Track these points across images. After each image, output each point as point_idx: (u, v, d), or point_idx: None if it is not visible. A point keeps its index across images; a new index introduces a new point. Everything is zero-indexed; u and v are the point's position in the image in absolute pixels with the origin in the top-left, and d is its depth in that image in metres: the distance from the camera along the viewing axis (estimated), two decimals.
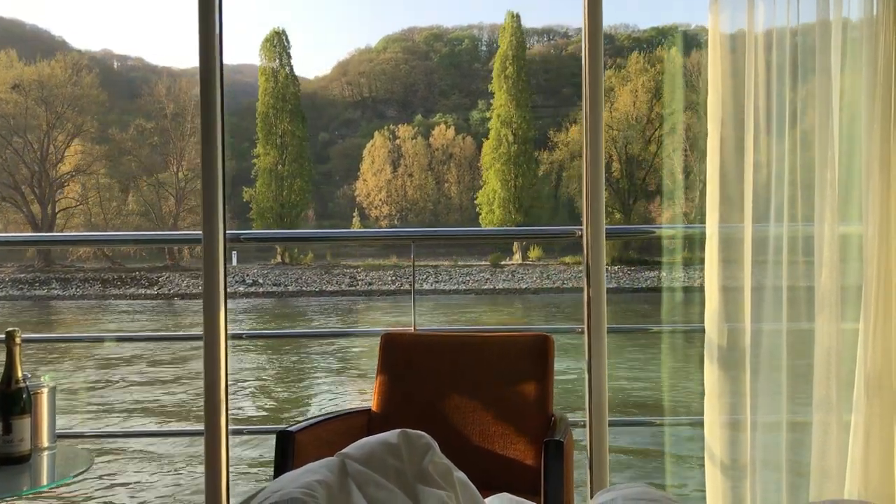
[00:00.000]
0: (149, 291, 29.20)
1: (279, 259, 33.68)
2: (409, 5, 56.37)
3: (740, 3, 2.33)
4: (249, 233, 3.20)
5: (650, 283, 29.33)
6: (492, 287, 29.93)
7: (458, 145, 41.71)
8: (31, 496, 1.95)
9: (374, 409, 2.52)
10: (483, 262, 33.06)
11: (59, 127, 36.03)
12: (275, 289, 29.28)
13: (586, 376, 2.53)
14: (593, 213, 2.51)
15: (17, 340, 2.00)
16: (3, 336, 2.01)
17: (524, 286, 29.89)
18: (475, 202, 37.96)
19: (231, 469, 2.57)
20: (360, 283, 30.53)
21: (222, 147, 2.54)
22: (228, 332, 2.55)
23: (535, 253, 33.94)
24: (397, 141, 42.58)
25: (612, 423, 2.55)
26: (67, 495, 6.43)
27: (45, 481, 2.00)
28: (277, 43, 37.00)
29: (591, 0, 2.47)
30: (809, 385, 2.32)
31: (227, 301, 2.57)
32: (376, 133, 42.64)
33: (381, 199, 41.66)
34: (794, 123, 2.33)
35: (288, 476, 1.42)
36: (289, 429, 2.20)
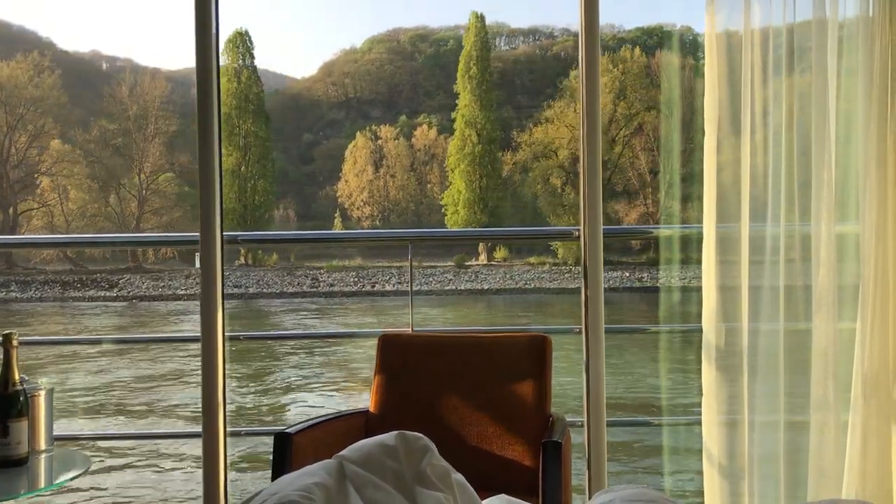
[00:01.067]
0: (108, 294, 28.78)
1: (242, 261, 33.41)
2: (395, 6, 56.36)
3: (737, 3, 2.33)
4: (247, 234, 3.20)
5: (612, 283, 29.31)
6: (454, 288, 29.72)
7: (440, 146, 41.53)
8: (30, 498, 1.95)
9: (371, 410, 2.51)
10: (447, 264, 32.85)
11: (21, 129, 35.63)
12: (235, 290, 28.88)
13: (584, 376, 2.53)
14: (591, 214, 2.51)
15: (14, 343, 2.00)
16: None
17: (486, 287, 29.72)
18: (441, 203, 37.82)
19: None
20: (321, 284, 30.33)
21: (219, 149, 2.54)
22: (226, 333, 2.55)
23: (500, 253, 33.83)
24: (379, 141, 42.40)
25: (610, 424, 2.55)
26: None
27: (42, 484, 2.00)
28: (240, 43, 36.73)
29: (588, 2, 2.47)
30: (807, 385, 2.33)
31: (225, 302, 2.57)
32: (358, 134, 42.45)
33: (362, 200, 41.49)
34: (790, 123, 2.33)
35: (285, 479, 1.41)
36: (287, 430, 2.20)
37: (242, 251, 32.85)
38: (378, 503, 1.39)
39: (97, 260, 33.61)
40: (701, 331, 2.44)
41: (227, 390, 2.56)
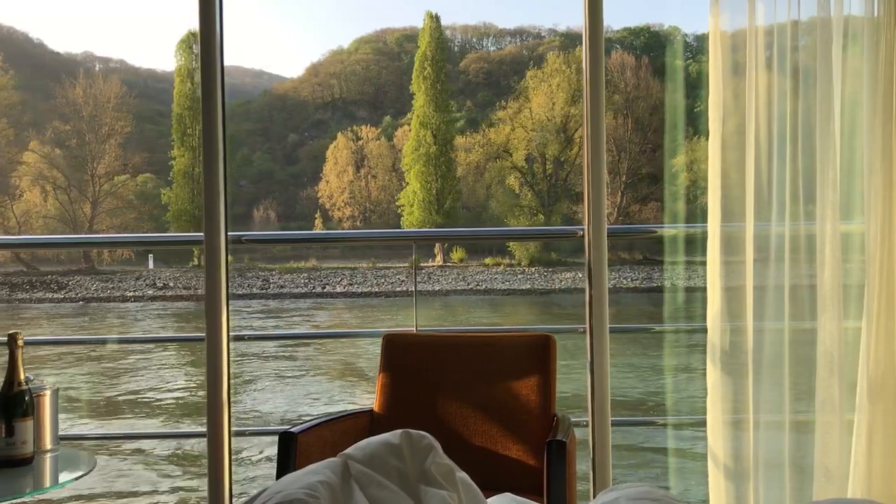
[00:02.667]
0: (56, 295, 28.41)
1: (195, 262, 32.91)
2: (382, 7, 56.25)
3: (741, 3, 2.33)
4: (251, 234, 3.20)
5: (564, 283, 29.23)
6: (405, 289, 29.23)
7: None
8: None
9: (376, 409, 2.52)
10: (402, 265, 32.46)
11: None
12: (184, 292, 28.67)
13: (588, 376, 2.53)
14: (594, 214, 2.51)
15: (20, 343, 2.00)
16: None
17: (437, 288, 29.40)
18: (397, 203, 37.52)
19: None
20: (271, 286, 30.09)
21: (224, 149, 2.54)
22: (231, 333, 2.55)
23: (458, 255, 33.60)
24: (360, 142, 42.10)
25: (615, 423, 2.55)
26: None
27: (47, 483, 2.00)
28: (194, 44, 36.02)
29: (592, 2, 2.47)
30: (812, 384, 2.32)
31: (230, 303, 2.57)
32: (339, 134, 42.10)
33: (343, 201, 41.14)
34: (794, 122, 2.32)
35: (290, 477, 1.41)
36: (291, 430, 2.21)
37: (196, 252, 32.71)
38: (382, 501, 1.39)
39: (51, 261, 33.21)
40: (701, 331, 2.44)
41: (231, 390, 2.57)
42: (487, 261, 32.63)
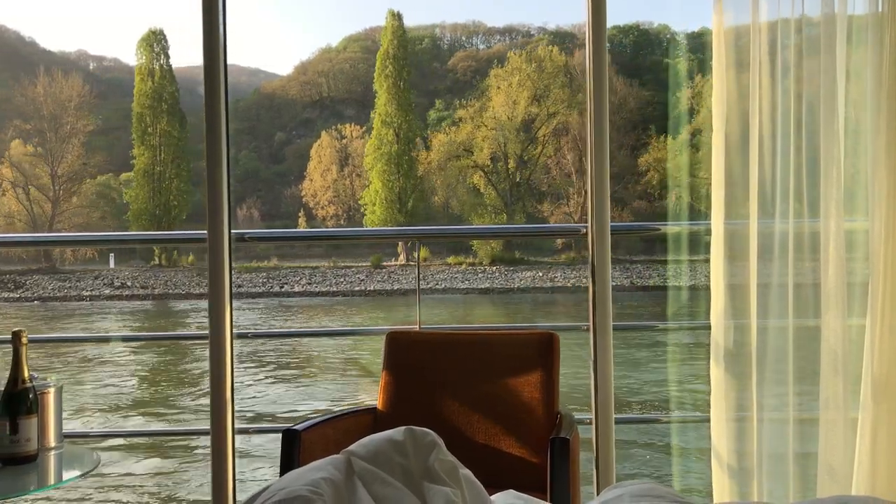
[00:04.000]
0: (11, 295, 28.17)
1: (157, 261, 33.05)
2: (372, 5, 56.02)
3: (744, 1, 2.32)
4: (254, 232, 3.20)
5: (524, 283, 29.23)
6: (362, 289, 29.08)
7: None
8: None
9: (379, 407, 2.52)
10: (363, 264, 32.44)
11: None
12: (141, 291, 28.56)
13: (592, 374, 2.53)
14: (598, 211, 2.50)
15: (24, 341, 2.01)
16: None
17: (396, 287, 29.28)
18: (359, 202, 37.53)
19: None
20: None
21: (227, 147, 2.54)
22: (234, 331, 2.56)
23: (422, 253, 33.17)
24: (344, 140, 42.00)
25: (618, 421, 2.55)
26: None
27: (51, 481, 2.01)
28: (154, 42, 36.36)
29: (595, 1, 2.46)
30: (816, 382, 2.32)
31: (234, 301, 2.57)
32: (323, 133, 41.94)
33: (327, 199, 41.06)
34: (798, 118, 2.32)
35: (293, 474, 1.42)
36: (295, 427, 2.21)
37: (157, 251, 32.51)
38: (386, 498, 1.39)
39: (13, 260, 33.04)
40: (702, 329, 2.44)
41: (234, 388, 2.57)
42: (450, 260, 32.63)
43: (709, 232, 2.42)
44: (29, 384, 1.98)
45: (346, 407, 2.72)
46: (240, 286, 29.17)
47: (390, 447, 1.48)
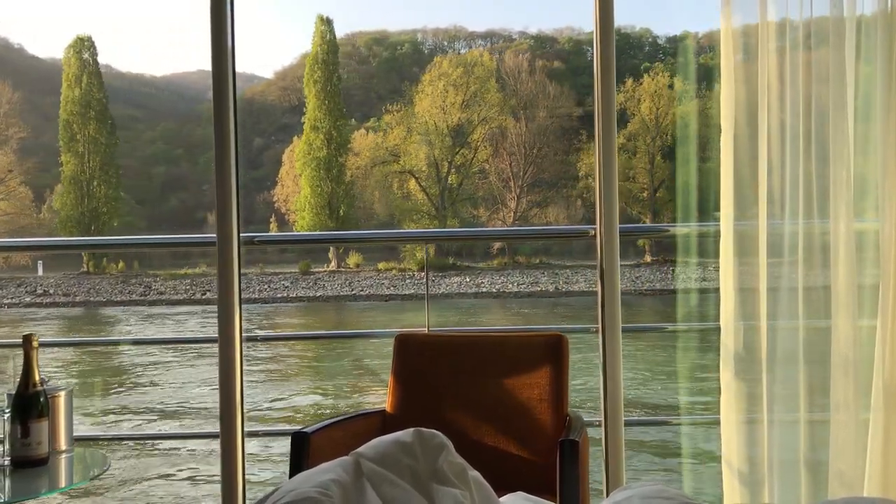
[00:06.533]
0: None
1: (85, 268, 32.70)
2: (355, 9, 55.73)
3: (752, 2, 2.32)
4: (264, 235, 3.21)
5: (450, 288, 29.23)
6: (284, 295, 28.90)
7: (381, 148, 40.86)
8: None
9: (388, 409, 2.52)
10: (291, 270, 32.04)
11: None
12: (63, 298, 28.39)
13: (601, 376, 2.52)
14: (606, 213, 2.50)
15: (35, 344, 2.02)
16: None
17: (319, 294, 29.08)
18: (290, 209, 37.21)
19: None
20: (152, 292, 29.56)
21: (235, 151, 2.56)
22: (243, 334, 2.56)
23: (354, 259, 33.28)
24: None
25: (627, 423, 2.54)
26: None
27: (62, 484, 2.02)
28: (82, 49, 36.11)
29: (603, 1, 2.46)
30: (826, 384, 2.30)
31: (242, 305, 2.58)
32: (295, 138, 41.17)
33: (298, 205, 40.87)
34: (807, 119, 2.31)
35: (302, 475, 1.42)
36: (304, 430, 2.21)
37: (85, 257, 32.23)
38: (395, 500, 1.39)
39: None
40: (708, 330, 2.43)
41: (244, 391, 2.58)
42: (381, 265, 32.39)
43: (716, 234, 2.41)
44: (40, 388, 1.99)
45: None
46: (162, 293, 29.16)
47: (399, 449, 1.48)
